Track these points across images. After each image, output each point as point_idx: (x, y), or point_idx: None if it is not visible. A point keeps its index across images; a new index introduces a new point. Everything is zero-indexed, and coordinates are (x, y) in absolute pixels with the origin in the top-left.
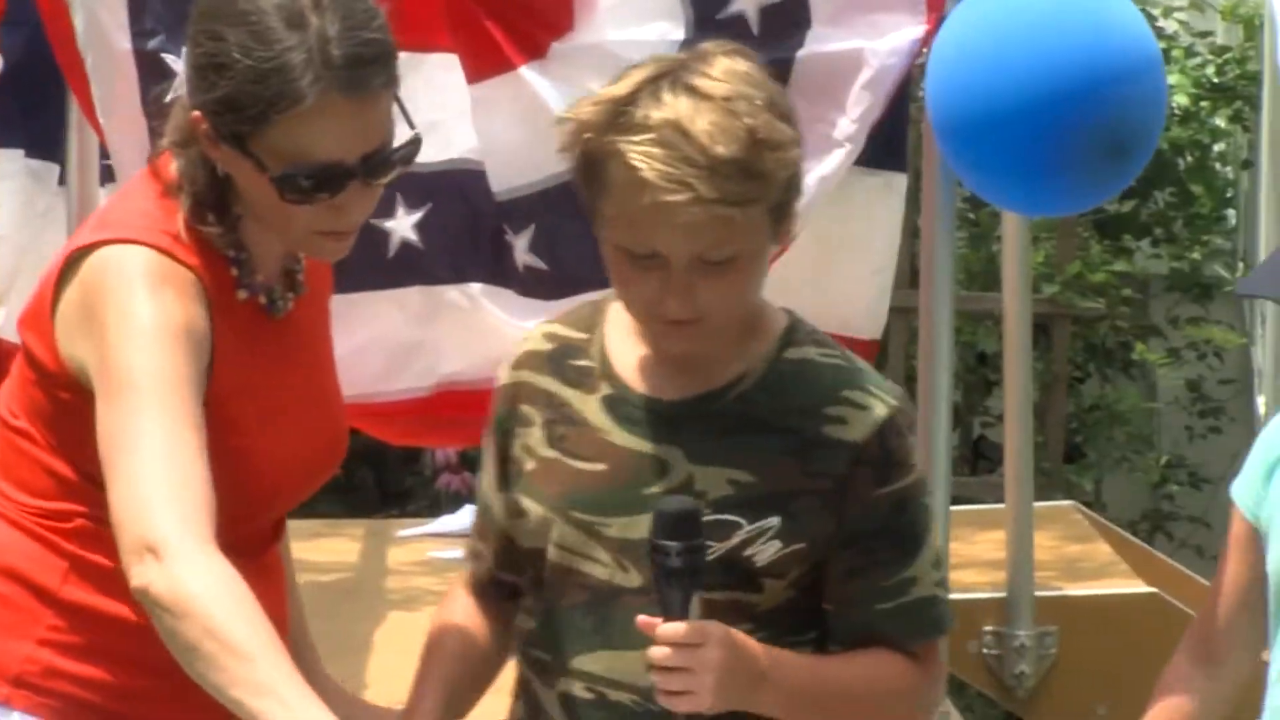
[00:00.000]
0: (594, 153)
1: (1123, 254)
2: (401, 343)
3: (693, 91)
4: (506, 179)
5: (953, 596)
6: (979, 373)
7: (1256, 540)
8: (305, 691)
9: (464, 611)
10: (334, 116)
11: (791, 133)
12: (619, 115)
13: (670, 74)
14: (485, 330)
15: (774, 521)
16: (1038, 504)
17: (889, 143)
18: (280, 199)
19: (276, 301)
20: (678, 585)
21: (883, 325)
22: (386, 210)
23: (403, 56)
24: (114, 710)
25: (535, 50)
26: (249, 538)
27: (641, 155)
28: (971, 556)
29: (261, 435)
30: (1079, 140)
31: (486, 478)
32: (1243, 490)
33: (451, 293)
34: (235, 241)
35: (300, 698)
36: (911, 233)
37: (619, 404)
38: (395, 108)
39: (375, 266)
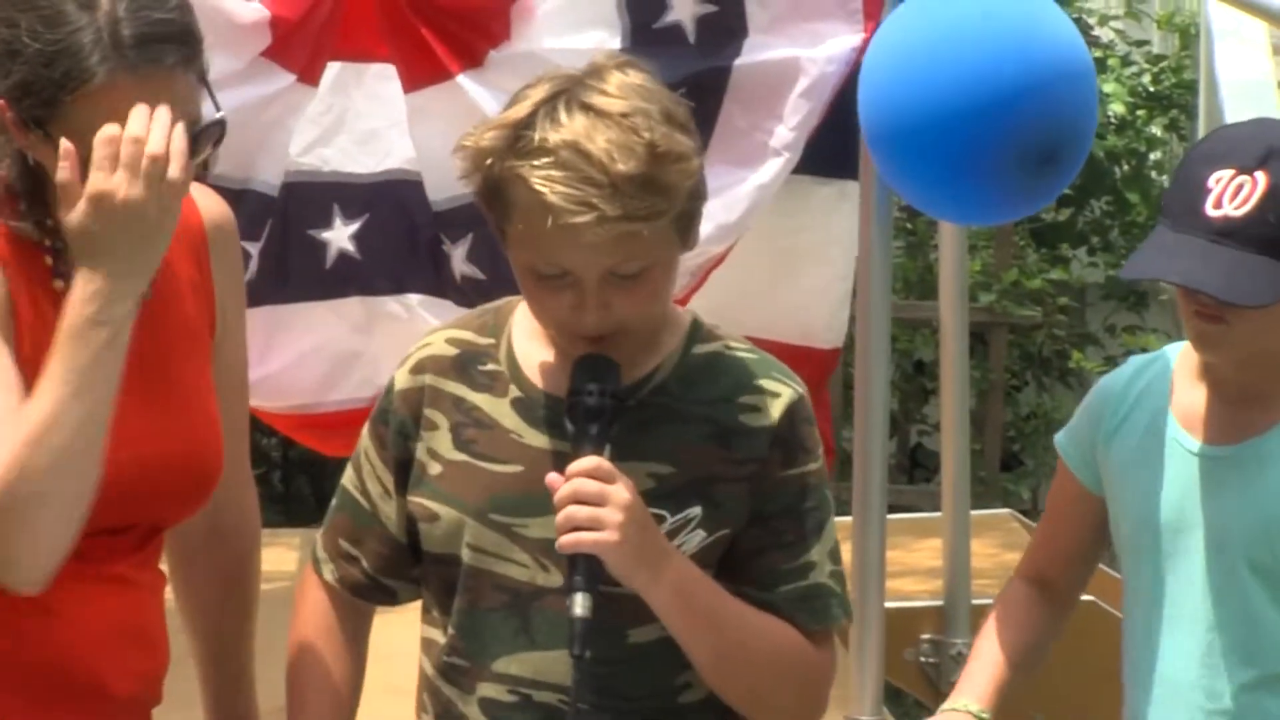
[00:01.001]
0: (495, 178)
1: (1059, 262)
2: (342, 352)
3: (588, 109)
4: (444, 188)
5: (890, 605)
6: (916, 381)
7: (1084, 496)
8: None
9: (333, 639)
10: (125, 97)
11: (690, 143)
12: (518, 139)
13: (565, 92)
14: None
15: (696, 511)
16: (975, 512)
17: (841, 152)
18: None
19: None
20: (594, 424)
21: (844, 334)
22: (323, 221)
23: (343, 67)
24: None
25: (472, 59)
26: (83, 540)
27: (543, 179)
28: (909, 565)
29: None
30: (1007, 150)
31: (371, 483)
32: (1072, 451)
33: (390, 304)
34: (50, 230)
35: None
36: None
37: (530, 406)
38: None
39: (313, 277)
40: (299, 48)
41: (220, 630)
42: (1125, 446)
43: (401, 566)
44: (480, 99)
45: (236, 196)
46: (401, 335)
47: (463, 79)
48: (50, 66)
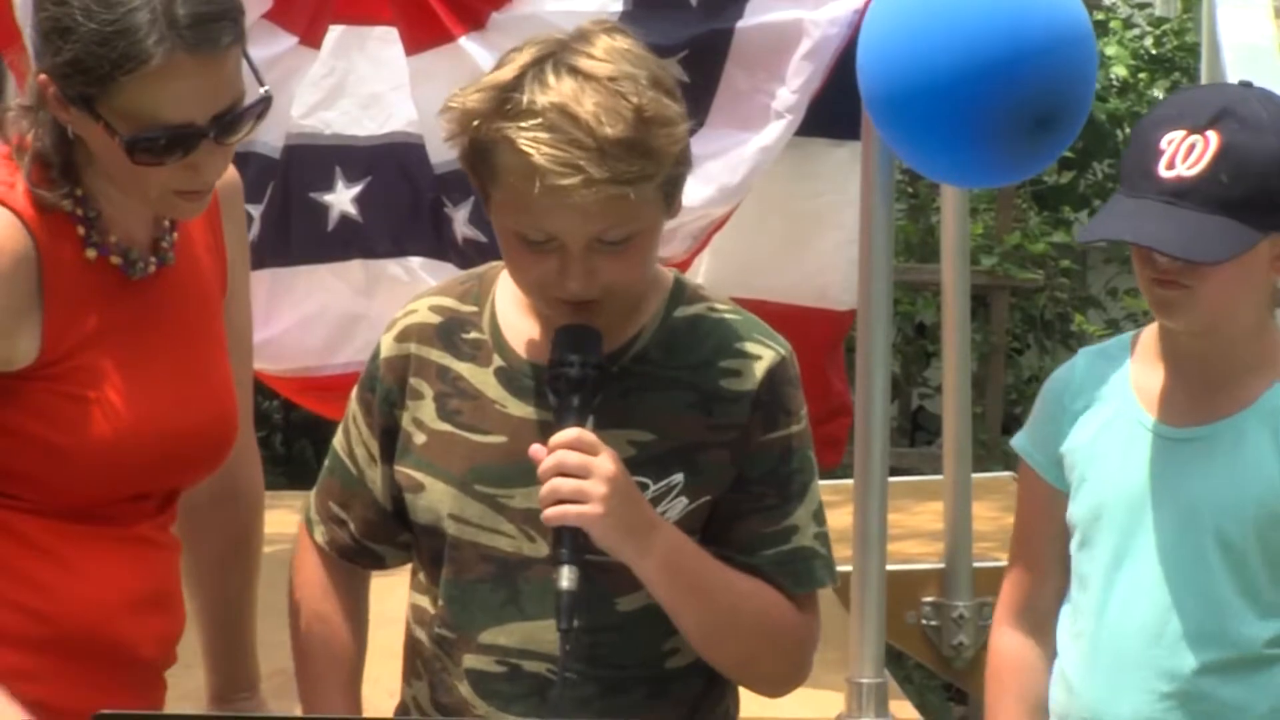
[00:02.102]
0: (482, 140)
1: (1061, 225)
2: (344, 315)
3: (576, 73)
4: (446, 151)
5: (891, 568)
6: (917, 344)
7: (1055, 497)
8: None
9: (329, 600)
10: (181, 77)
11: (677, 108)
12: (505, 101)
13: (553, 56)
14: None
15: (678, 478)
16: (976, 475)
17: (855, 114)
18: (131, 161)
19: (135, 264)
20: (577, 395)
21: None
22: (325, 183)
23: (346, 30)
24: (18, 693)
25: (474, 21)
26: (109, 504)
27: (530, 140)
28: (910, 528)
29: (120, 388)
30: (1006, 112)
31: (357, 448)
32: (1034, 450)
33: (392, 266)
34: (83, 201)
35: None
36: None
37: (514, 375)
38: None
39: (316, 240)
40: (300, 10)
41: (224, 592)
42: (1087, 433)
43: (388, 532)
44: (483, 61)
45: (240, 159)
46: (403, 298)
47: (465, 41)
48: (105, 46)
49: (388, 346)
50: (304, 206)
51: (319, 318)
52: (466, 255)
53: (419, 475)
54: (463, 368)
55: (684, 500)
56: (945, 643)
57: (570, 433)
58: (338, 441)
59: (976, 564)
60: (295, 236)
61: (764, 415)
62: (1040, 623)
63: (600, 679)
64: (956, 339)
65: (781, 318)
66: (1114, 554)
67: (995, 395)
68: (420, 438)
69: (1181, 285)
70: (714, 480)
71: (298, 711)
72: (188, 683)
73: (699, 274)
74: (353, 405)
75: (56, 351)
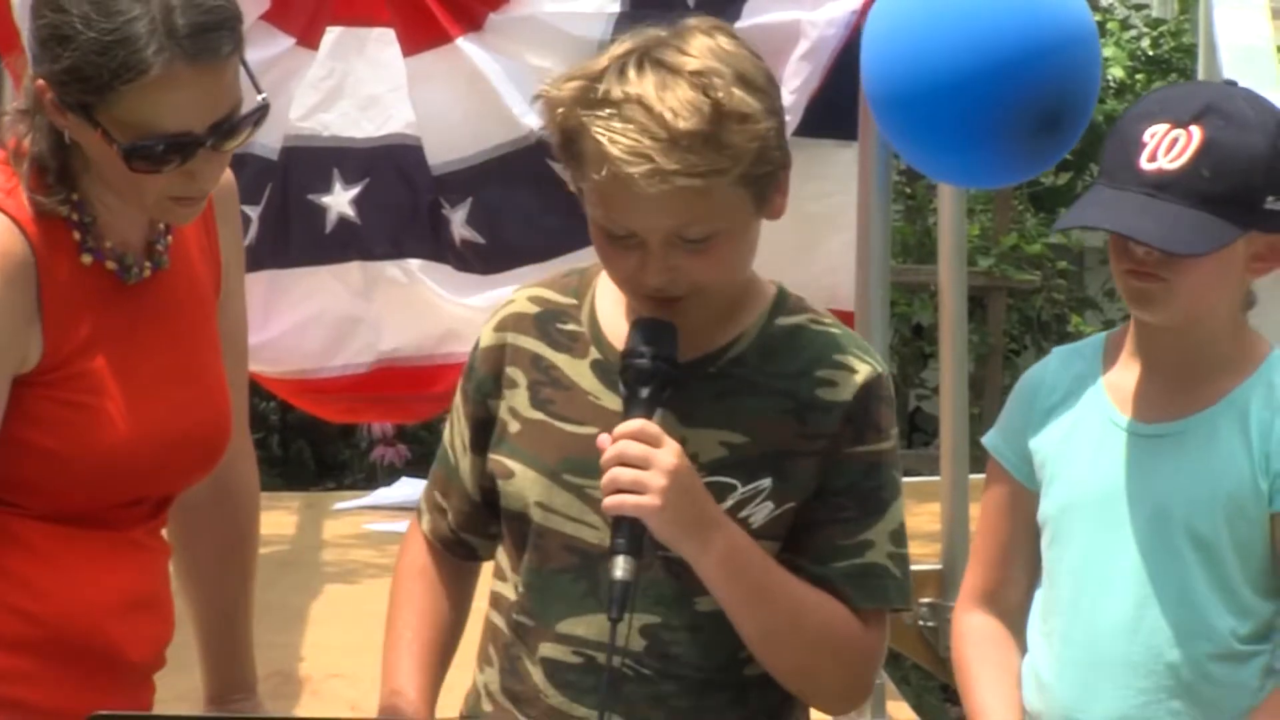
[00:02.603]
0: (567, 129)
1: None
2: (342, 317)
3: (660, 66)
4: (443, 153)
5: None
6: (914, 345)
7: (1022, 494)
8: None
9: (427, 579)
10: (180, 86)
11: (759, 105)
12: (589, 90)
13: (643, 49)
14: (422, 307)
15: (766, 483)
16: (973, 476)
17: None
18: (128, 169)
19: (130, 268)
20: (645, 387)
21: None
22: (324, 185)
23: (344, 32)
24: (7, 694)
25: (472, 22)
26: (106, 509)
27: (603, 128)
28: (907, 528)
29: (117, 394)
30: (1011, 112)
31: (456, 437)
32: (1005, 447)
33: (390, 268)
34: (79, 206)
35: None
36: None
37: (609, 369)
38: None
39: (314, 242)
40: (298, 11)
41: (220, 594)
42: (1059, 431)
43: (480, 523)
44: (480, 62)
45: (237, 160)
46: (401, 300)
47: (462, 42)
48: (105, 55)
49: (486, 336)
50: (302, 208)
51: (317, 320)
52: (464, 257)
53: (510, 462)
54: (558, 358)
55: (770, 505)
56: (942, 644)
57: (634, 423)
58: (445, 432)
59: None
60: (293, 238)
61: (854, 428)
62: (1005, 614)
63: (679, 678)
64: (953, 340)
65: None
66: (1086, 551)
67: (992, 396)
68: (515, 426)
69: (1158, 278)
70: (800, 488)
71: (296, 712)
72: (183, 684)
73: None
74: (456, 395)
75: (54, 358)
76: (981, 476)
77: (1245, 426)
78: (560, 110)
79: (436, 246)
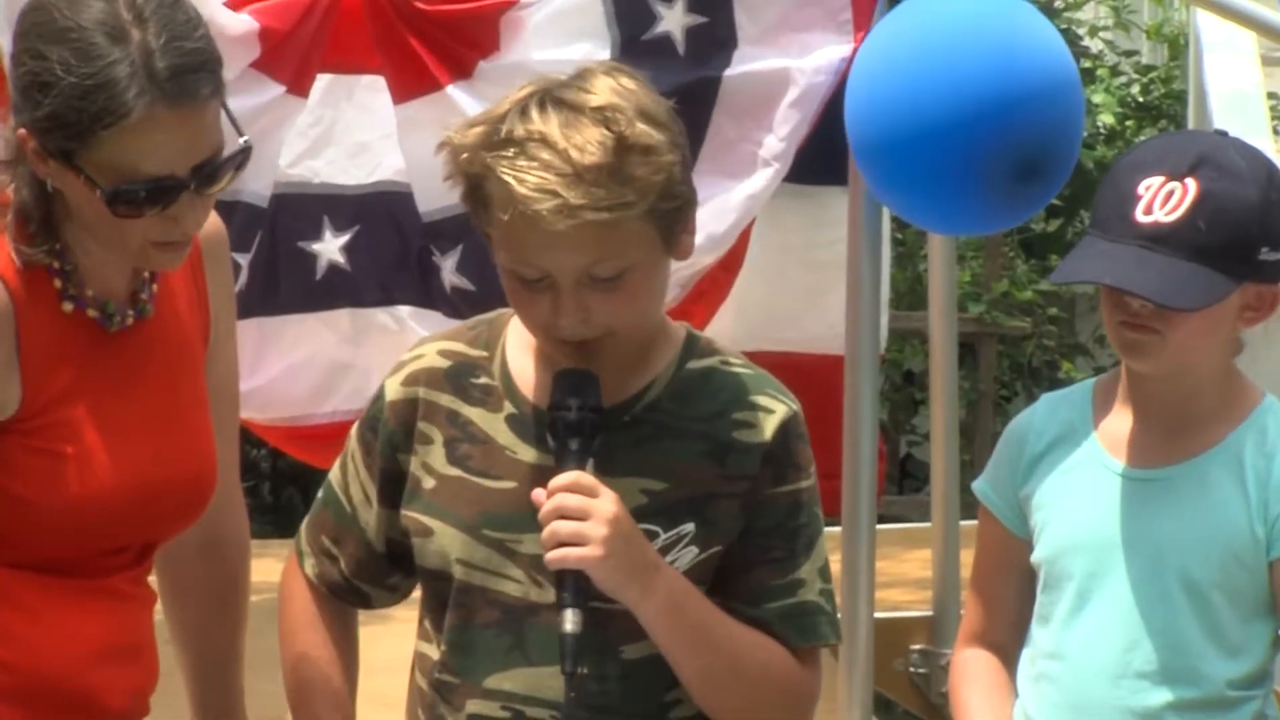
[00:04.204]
0: (472, 174)
1: (1049, 273)
2: (332, 364)
3: (562, 105)
4: (433, 200)
5: (880, 615)
6: (906, 391)
7: (1011, 541)
8: None
9: (319, 631)
10: (161, 129)
11: (662, 138)
12: (492, 134)
13: (545, 90)
14: None
15: (689, 527)
16: (964, 522)
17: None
18: (112, 214)
19: (112, 317)
20: (576, 439)
21: (884, 341)
22: (314, 232)
23: (333, 79)
24: None
25: (462, 70)
26: (85, 557)
27: (509, 168)
28: (898, 575)
29: (94, 443)
30: (991, 161)
31: (353, 486)
32: (994, 495)
33: (380, 315)
34: (60, 254)
35: None
36: None
37: (524, 421)
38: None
39: (304, 289)
40: (288, 59)
41: (211, 643)
42: (1048, 477)
43: (377, 573)
44: (470, 110)
45: (227, 208)
46: (391, 347)
47: (452, 90)
48: (85, 100)
49: (393, 390)
50: (292, 256)
51: (306, 366)
52: (455, 304)
53: (428, 520)
54: (473, 413)
55: (694, 550)
56: (934, 690)
57: (568, 476)
58: (333, 476)
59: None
60: (283, 285)
61: (774, 469)
62: (999, 650)
63: None
64: (944, 386)
65: (808, 369)
66: (1077, 594)
67: (983, 443)
68: (429, 482)
69: (1152, 330)
70: (724, 531)
71: None
72: None
73: (720, 330)
74: (351, 443)
75: (32, 406)
76: (973, 523)
77: (1240, 472)
78: (465, 156)
79: (427, 294)
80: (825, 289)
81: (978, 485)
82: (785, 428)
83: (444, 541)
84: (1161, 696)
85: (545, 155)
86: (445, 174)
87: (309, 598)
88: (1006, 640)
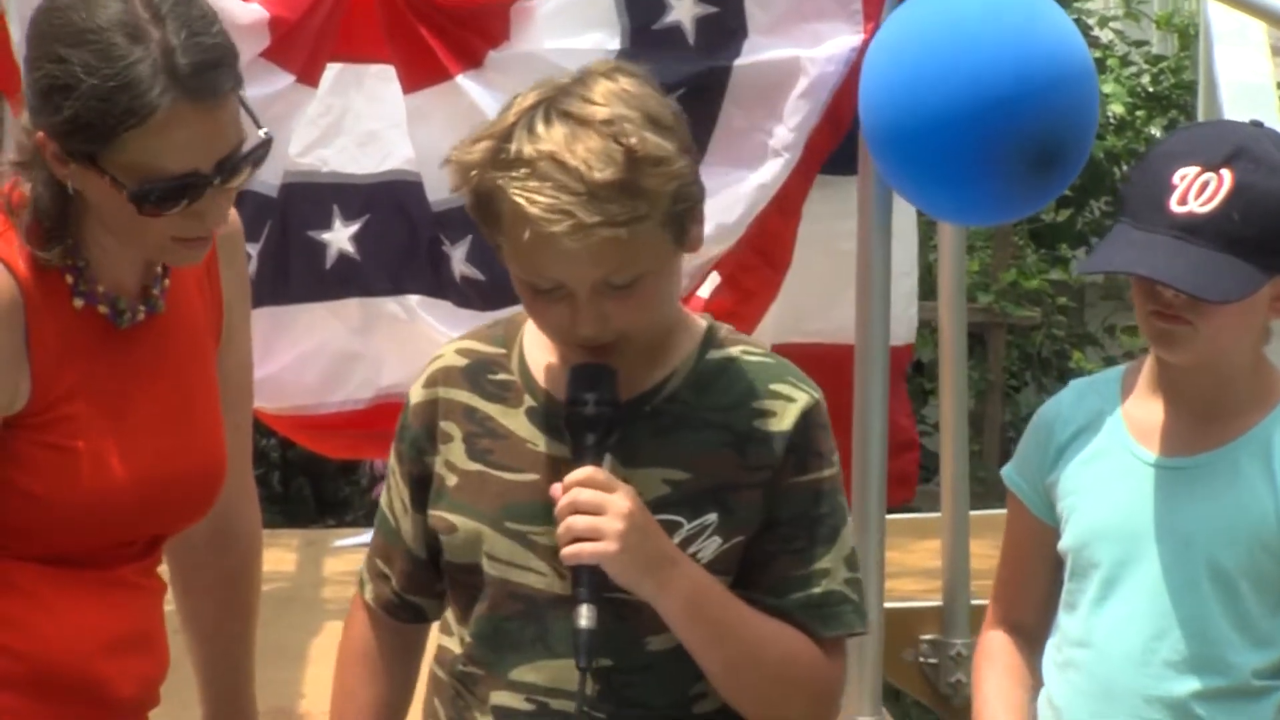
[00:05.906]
0: (481, 191)
1: (1058, 263)
2: (342, 353)
3: (568, 118)
4: (443, 189)
5: (890, 605)
6: (915, 381)
7: (1039, 528)
8: None
9: (368, 664)
10: (185, 126)
11: (672, 146)
12: (500, 151)
13: (548, 101)
14: (422, 342)
15: (712, 518)
16: (974, 512)
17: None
18: (138, 213)
19: (123, 313)
20: (592, 434)
21: (914, 329)
22: (323, 222)
23: (343, 69)
24: None
25: (472, 59)
26: (94, 550)
27: (520, 189)
28: (908, 565)
29: (104, 438)
30: (1006, 150)
31: (395, 500)
32: (1022, 482)
33: (390, 304)
34: (72, 250)
35: None
36: None
37: (545, 414)
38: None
39: (314, 278)
40: (298, 48)
41: (221, 633)
42: (1076, 465)
43: (426, 583)
44: (480, 99)
45: (237, 197)
46: (401, 336)
47: (462, 79)
48: (108, 101)
49: (416, 394)
50: (302, 245)
51: (316, 356)
52: (464, 293)
53: (451, 516)
54: (491, 408)
55: (718, 540)
56: (943, 680)
57: (583, 471)
58: (383, 497)
59: (974, 602)
60: (293, 275)
61: (796, 457)
62: (1025, 635)
63: (628, 719)
64: (954, 377)
65: (837, 359)
66: (1104, 582)
67: (993, 433)
68: (452, 479)
69: (1184, 321)
70: (747, 521)
71: None
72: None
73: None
74: (391, 460)
75: (42, 401)
76: (981, 513)
77: (1268, 461)
78: (473, 173)
79: (436, 283)
80: (850, 278)
81: (1006, 472)
82: (807, 416)
83: (468, 536)
84: (1187, 685)
85: (556, 174)
86: (453, 186)
87: (365, 626)
88: (1033, 625)
